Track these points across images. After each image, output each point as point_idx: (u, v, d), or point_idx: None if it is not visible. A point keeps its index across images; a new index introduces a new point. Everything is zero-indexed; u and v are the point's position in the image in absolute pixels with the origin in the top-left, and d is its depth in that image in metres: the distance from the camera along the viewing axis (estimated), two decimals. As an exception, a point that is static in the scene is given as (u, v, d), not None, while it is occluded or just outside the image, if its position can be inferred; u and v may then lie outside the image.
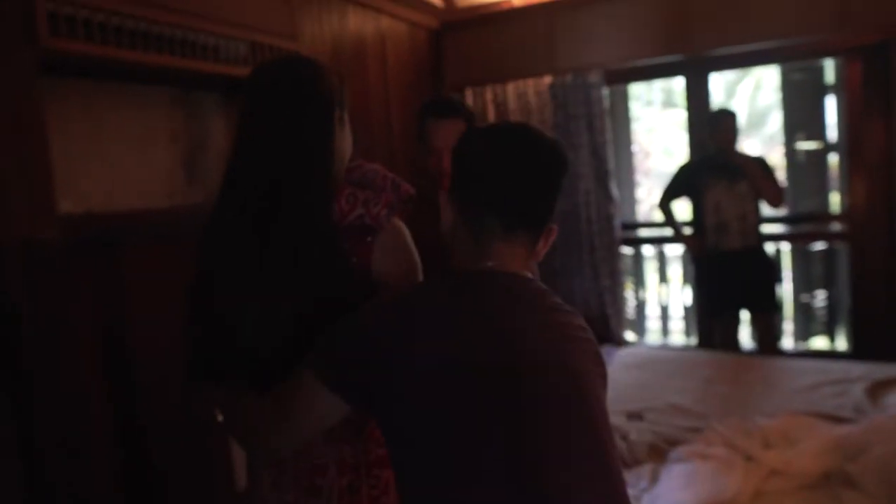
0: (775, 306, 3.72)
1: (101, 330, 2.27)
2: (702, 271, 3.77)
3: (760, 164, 3.59)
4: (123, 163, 2.60)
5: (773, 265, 3.80)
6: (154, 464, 2.39)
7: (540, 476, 0.92)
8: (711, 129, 3.65)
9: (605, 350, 3.93)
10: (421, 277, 1.25)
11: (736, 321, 3.69)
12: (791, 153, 4.44)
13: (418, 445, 0.97)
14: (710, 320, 3.86)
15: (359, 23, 3.64)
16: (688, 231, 3.76)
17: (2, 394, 1.97)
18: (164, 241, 2.49)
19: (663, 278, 4.59)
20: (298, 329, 1.14)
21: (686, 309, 4.49)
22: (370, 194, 1.21)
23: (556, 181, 1.09)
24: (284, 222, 1.13)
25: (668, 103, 10.28)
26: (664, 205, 3.83)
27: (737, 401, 2.54)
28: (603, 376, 1.10)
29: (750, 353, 3.65)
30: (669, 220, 3.82)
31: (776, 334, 3.76)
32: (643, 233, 4.70)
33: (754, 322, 3.71)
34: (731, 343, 3.66)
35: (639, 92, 8.68)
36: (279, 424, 1.09)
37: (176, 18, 2.49)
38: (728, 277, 3.54)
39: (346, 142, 1.27)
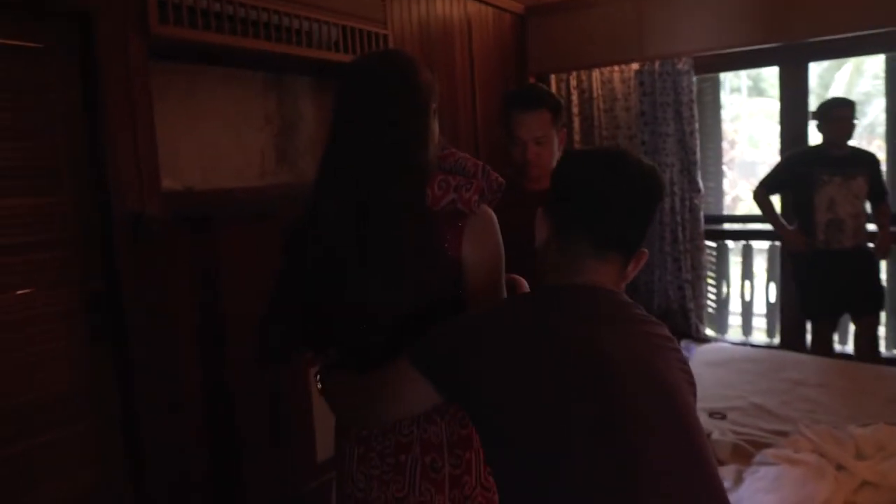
0: (880, 309, 3.53)
1: (196, 299, 2.39)
2: (803, 269, 3.52)
3: (873, 161, 3.40)
4: (219, 144, 2.71)
5: (878, 266, 3.58)
6: (238, 428, 2.50)
7: (643, 490, 0.90)
8: (824, 120, 3.36)
9: (685, 345, 3.85)
10: (504, 267, 1.26)
11: (834, 323, 3.51)
12: (894, 146, 4.17)
13: (511, 454, 0.97)
14: (806, 320, 3.67)
15: (446, 8, 3.65)
16: (787, 225, 3.55)
17: (106, 356, 2.12)
18: (256, 219, 2.59)
19: (747, 274, 4.43)
20: (398, 311, 1.18)
21: (770, 306, 4.32)
22: (462, 180, 1.22)
23: (650, 207, 1.10)
24: (385, 212, 1.17)
25: (756, 91, 9.84)
26: (764, 197, 3.55)
27: (826, 406, 2.44)
28: (691, 384, 1.08)
29: (840, 357, 3.49)
30: (769, 212, 3.56)
31: (877, 339, 3.57)
32: (728, 226, 4.55)
33: (858, 325, 3.50)
34: (825, 345, 3.50)
35: (725, 79, 8.36)
36: (375, 405, 1.14)
37: (271, 4, 2.57)
38: (835, 277, 3.34)
39: (437, 131, 1.29)
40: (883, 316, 3.97)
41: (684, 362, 1.09)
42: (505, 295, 1.25)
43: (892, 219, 3.45)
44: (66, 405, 2.02)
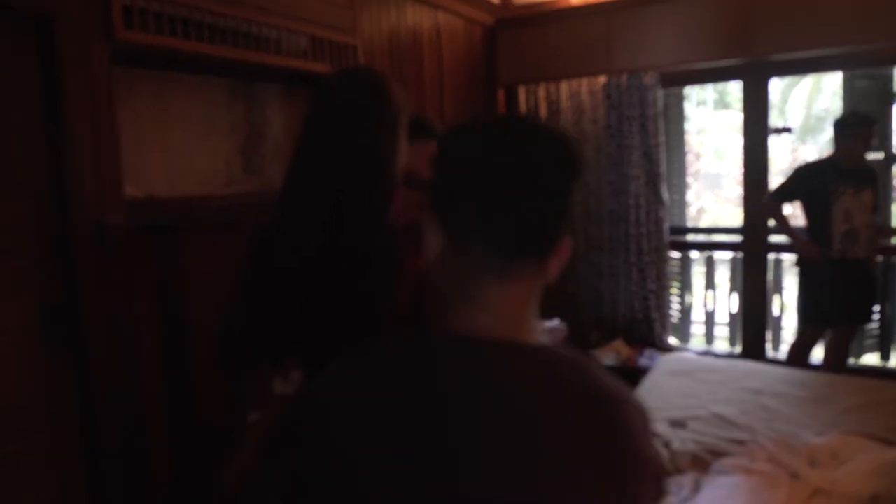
0: (871, 320, 3.65)
1: (158, 310, 2.36)
2: (813, 278, 3.53)
3: (877, 176, 3.52)
4: (185, 151, 2.68)
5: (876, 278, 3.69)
6: (201, 438, 2.47)
7: None
8: (844, 136, 3.40)
9: (648, 354, 3.91)
10: None
11: (825, 332, 3.59)
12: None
13: None
14: (814, 327, 3.63)
15: (416, 18, 3.67)
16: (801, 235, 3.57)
17: (66, 367, 2.08)
18: (221, 227, 2.57)
19: (710, 284, 4.52)
20: (358, 319, 1.20)
21: (732, 316, 4.42)
22: (426, 197, 1.24)
23: (565, 187, 0.80)
24: (357, 219, 1.18)
25: (722, 104, 10.06)
26: (776, 207, 3.61)
27: (785, 416, 2.50)
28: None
29: (800, 367, 3.58)
30: (782, 222, 3.62)
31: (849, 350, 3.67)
32: (692, 237, 4.64)
33: (846, 333, 3.56)
34: (805, 354, 3.59)
35: (691, 92, 8.52)
36: None
37: (239, 12, 2.55)
38: (850, 286, 3.41)
39: (405, 146, 1.30)
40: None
41: (631, 472, 0.74)
42: None
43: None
44: (25, 417, 1.98)
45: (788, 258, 4.17)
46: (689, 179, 4.99)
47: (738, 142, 4.16)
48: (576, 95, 4.16)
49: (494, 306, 0.77)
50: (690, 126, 6.31)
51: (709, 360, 3.45)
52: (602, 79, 4.06)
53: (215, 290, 2.42)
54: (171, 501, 2.36)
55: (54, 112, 2.05)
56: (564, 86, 4.17)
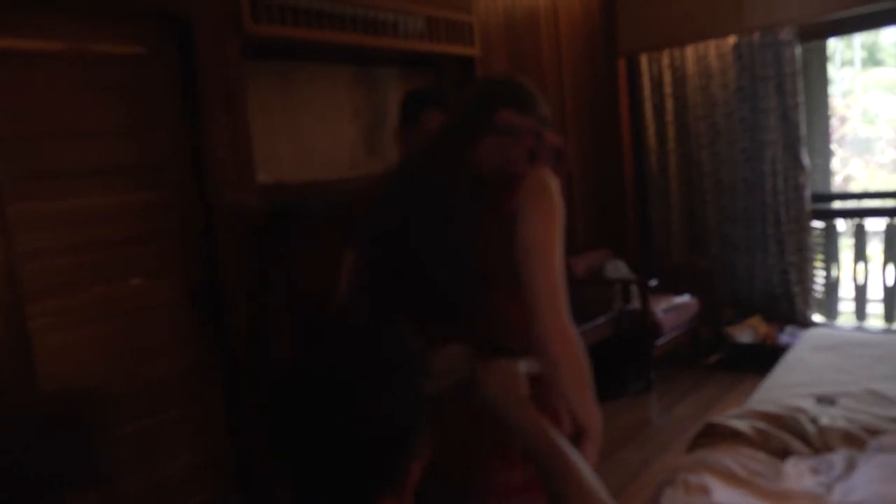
0: None
1: (289, 283, 2.48)
2: None
3: None
4: (311, 137, 2.81)
5: None
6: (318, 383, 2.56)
7: None
8: None
9: (791, 330, 3.64)
10: (559, 240, 1.22)
11: None
12: None
13: None
14: None
15: (529, -8, 3.60)
16: None
17: (209, 337, 2.25)
18: (346, 209, 2.66)
19: (860, 256, 4.12)
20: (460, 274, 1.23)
21: (887, 290, 4.00)
22: (508, 140, 1.23)
23: None
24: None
25: (872, 62, 9.13)
26: None
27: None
28: None
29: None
30: None
31: None
32: (838, 204, 4.25)
33: None
34: None
35: (835, 51, 7.78)
36: None
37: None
38: None
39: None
40: None
41: None
42: (559, 275, 1.19)
43: None
44: (175, 386, 2.16)
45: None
46: (834, 145, 4.56)
47: (891, 103, 3.76)
48: (703, 59, 3.93)
49: None
50: (835, 88, 5.77)
51: (862, 334, 3.17)
52: (731, 39, 3.80)
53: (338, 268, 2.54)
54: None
55: (193, 105, 2.21)
56: (690, 50, 3.95)
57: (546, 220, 1.19)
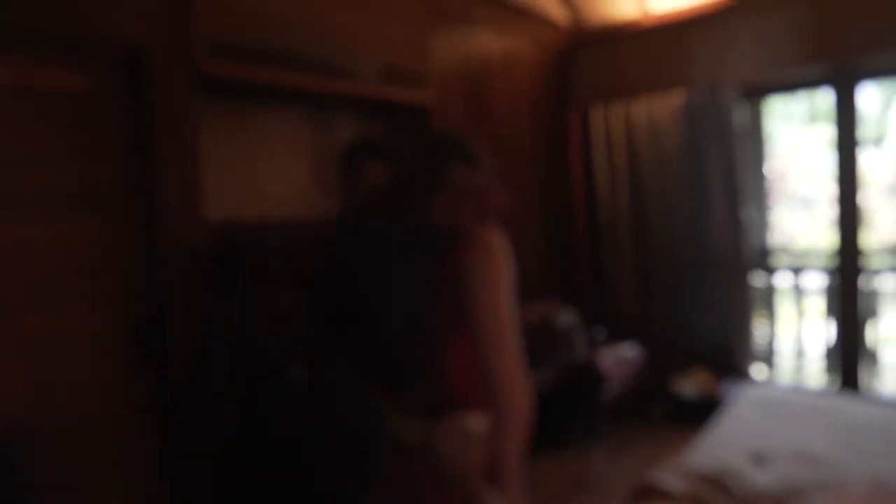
0: None
1: (236, 320, 2.44)
2: None
3: None
4: (264, 175, 2.79)
5: None
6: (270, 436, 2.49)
7: None
8: None
9: (731, 385, 3.71)
10: (510, 293, 1.25)
11: None
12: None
13: None
14: None
15: (487, 43, 3.68)
16: None
17: (149, 380, 2.18)
18: (298, 248, 2.64)
19: (799, 312, 4.25)
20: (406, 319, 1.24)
21: (825, 347, 4.12)
22: (460, 197, 1.28)
23: None
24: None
25: (811, 119, 9.53)
26: None
27: (883, 457, 2.30)
28: None
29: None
30: None
31: None
32: (778, 260, 4.39)
33: None
34: None
35: (778, 107, 8.12)
36: None
37: (314, 40, 2.64)
38: None
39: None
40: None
41: None
42: (510, 329, 1.23)
43: None
44: (111, 427, 2.08)
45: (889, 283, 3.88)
46: (775, 201, 4.74)
47: (829, 158, 3.92)
48: (654, 114, 4.05)
49: None
50: (778, 143, 6.02)
51: (798, 393, 3.24)
52: (680, 96, 3.93)
53: (293, 307, 2.50)
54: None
55: (143, 141, 2.18)
56: (643, 105, 4.07)
57: (494, 278, 1.23)
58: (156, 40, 2.19)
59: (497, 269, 1.22)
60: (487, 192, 1.28)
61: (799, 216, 8.79)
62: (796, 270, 4.21)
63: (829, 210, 4.19)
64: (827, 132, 4.32)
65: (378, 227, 1.30)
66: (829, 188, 4.06)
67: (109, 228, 2.12)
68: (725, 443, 2.50)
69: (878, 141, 5.03)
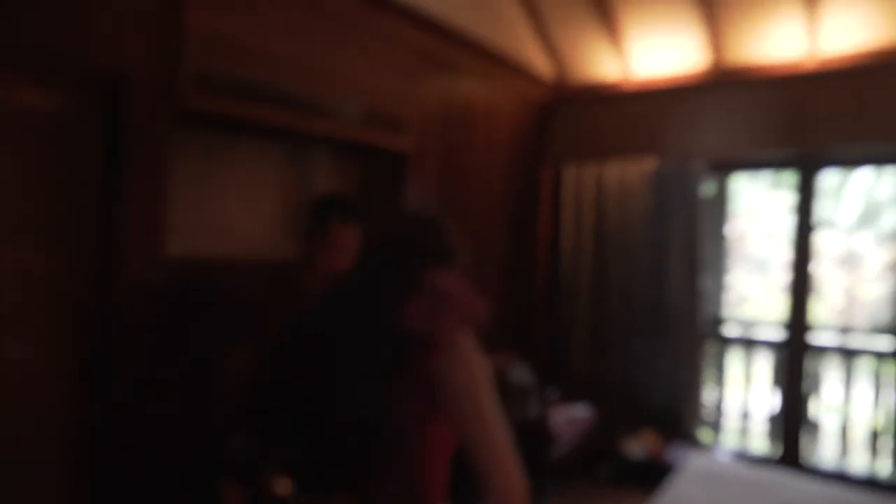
0: None
1: (190, 364, 2.37)
2: None
3: None
4: (232, 213, 2.75)
5: None
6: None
7: None
8: None
9: (678, 448, 3.77)
10: (490, 394, 1.27)
11: None
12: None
13: None
14: None
15: (471, 91, 3.73)
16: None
17: (93, 421, 2.12)
18: (264, 288, 2.60)
19: (747, 379, 4.36)
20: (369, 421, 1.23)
21: (771, 414, 4.24)
22: (435, 305, 1.28)
23: None
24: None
25: (778, 183, 9.84)
26: None
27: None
28: None
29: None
30: None
31: None
32: (729, 330, 4.51)
33: None
34: None
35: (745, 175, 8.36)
36: None
37: (299, 78, 2.63)
38: None
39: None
40: None
41: None
42: (501, 427, 1.24)
43: None
44: (48, 456, 2.01)
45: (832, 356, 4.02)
46: (734, 264, 4.89)
47: (788, 223, 4.06)
48: (623, 177, 4.14)
49: None
50: (740, 206, 6.21)
51: (738, 466, 3.32)
52: (651, 163, 4.04)
53: (246, 353, 2.46)
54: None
55: (113, 172, 2.13)
56: (614, 167, 4.17)
57: (474, 383, 1.25)
58: (136, 67, 2.14)
59: (474, 374, 1.24)
60: (465, 300, 1.29)
61: (754, 279, 9.04)
62: (747, 341, 4.32)
63: (782, 275, 4.34)
64: (788, 198, 4.51)
65: (345, 322, 1.29)
66: (784, 253, 4.21)
67: (64, 262, 2.05)
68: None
69: (833, 218, 5.20)
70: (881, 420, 4.13)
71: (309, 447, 1.31)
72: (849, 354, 4.03)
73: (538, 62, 4.21)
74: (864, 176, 8.64)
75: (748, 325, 4.54)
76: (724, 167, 4.09)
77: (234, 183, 2.76)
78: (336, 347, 1.27)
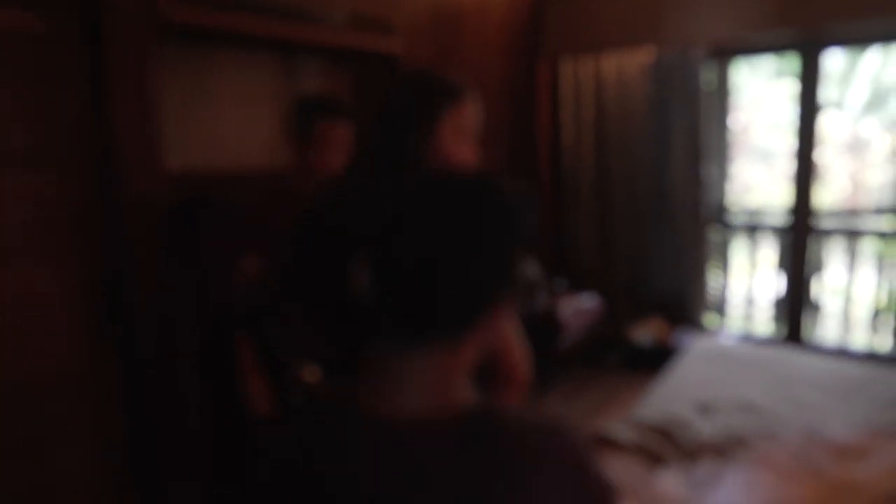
0: None
1: (199, 277, 2.43)
2: None
3: None
4: (228, 124, 2.75)
5: None
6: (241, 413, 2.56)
7: None
8: None
9: (684, 333, 3.87)
10: None
11: None
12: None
13: None
14: None
15: (458, -11, 3.62)
16: None
17: (111, 334, 2.20)
18: (261, 198, 2.63)
19: (752, 264, 4.42)
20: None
21: (775, 296, 4.32)
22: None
23: (481, 258, 0.72)
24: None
25: (780, 73, 9.61)
26: None
27: (818, 407, 2.47)
28: None
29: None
30: None
31: None
32: (736, 212, 4.52)
33: None
34: None
35: (746, 64, 8.15)
36: None
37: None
38: None
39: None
40: None
41: None
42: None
43: None
44: (69, 385, 2.10)
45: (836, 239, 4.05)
46: (736, 154, 4.86)
47: (792, 113, 4.00)
48: (622, 70, 4.06)
49: (414, 384, 0.72)
50: (743, 96, 6.09)
51: (743, 345, 3.42)
52: (649, 54, 3.95)
53: (253, 261, 2.51)
54: (208, 473, 2.48)
55: (100, 90, 2.12)
56: (612, 60, 4.08)
57: None
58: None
59: None
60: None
61: (758, 169, 8.99)
62: (752, 227, 4.35)
63: (787, 164, 4.32)
64: (791, 87, 4.42)
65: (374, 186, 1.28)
66: (788, 143, 4.17)
67: (64, 182, 2.05)
68: (674, 394, 2.65)
69: (839, 103, 5.11)
70: (883, 299, 4.21)
71: (333, 335, 1.35)
72: (852, 236, 4.06)
73: (528, -45, 4.06)
74: (872, 59, 8.42)
75: (753, 213, 4.56)
76: (725, 54, 3.99)
77: (227, 95, 2.74)
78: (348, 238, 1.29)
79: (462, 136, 1.36)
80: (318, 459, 0.72)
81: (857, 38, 3.82)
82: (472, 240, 0.71)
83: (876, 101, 8.48)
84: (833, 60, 8.01)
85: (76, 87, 2.09)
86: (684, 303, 4.09)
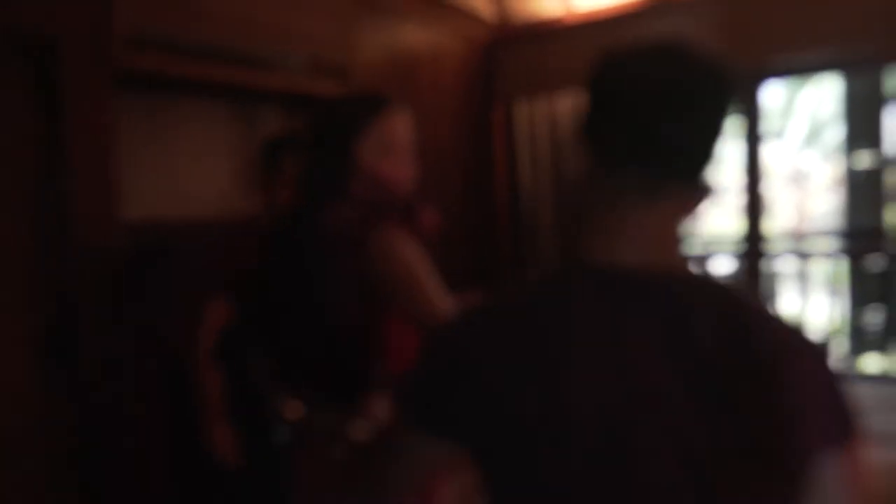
0: None
1: (154, 328, 2.36)
2: None
3: None
4: (185, 174, 2.72)
5: None
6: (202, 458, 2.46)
7: None
8: None
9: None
10: (426, 276, 1.30)
11: None
12: (851, 167, 4.32)
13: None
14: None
15: (413, 36, 3.69)
16: None
17: (60, 386, 2.10)
18: (217, 249, 2.58)
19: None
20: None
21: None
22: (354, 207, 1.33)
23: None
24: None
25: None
26: None
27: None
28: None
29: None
30: None
31: None
32: (691, 247, 4.65)
33: None
34: None
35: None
36: None
37: (238, 32, 2.59)
38: None
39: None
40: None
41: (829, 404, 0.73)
42: (439, 300, 1.28)
43: None
44: (18, 437, 2.00)
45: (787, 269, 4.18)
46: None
47: (738, 149, 4.15)
48: (577, 109, 4.17)
49: (640, 235, 0.77)
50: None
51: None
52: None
53: (220, 305, 2.45)
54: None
55: (54, 135, 2.09)
56: (565, 99, 4.19)
57: (409, 273, 1.26)
58: (66, 30, 2.08)
59: (407, 265, 1.27)
60: (415, 212, 1.32)
61: (709, 204, 9.20)
62: (704, 257, 4.47)
63: (736, 198, 4.46)
64: (736, 124, 4.61)
65: (293, 235, 1.32)
66: (737, 178, 4.31)
67: (13, 229, 2.01)
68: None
69: (780, 134, 5.36)
70: (836, 322, 4.35)
71: (307, 367, 1.35)
72: (803, 257, 4.20)
73: (478, 3, 4.18)
74: (809, 94, 8.86)
75: (707, 243, 4.69)
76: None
77: (185, 143, 2.72)
78: (289, 257, 1.31)
79: (388, 150, 1.36)
80: (542, 312, 0.74)
81: (797, 69, 4.00)
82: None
83: (814, 134, 8.91)
84: (772, 94, 8.42)
85: (31, 133, 2.06)
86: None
